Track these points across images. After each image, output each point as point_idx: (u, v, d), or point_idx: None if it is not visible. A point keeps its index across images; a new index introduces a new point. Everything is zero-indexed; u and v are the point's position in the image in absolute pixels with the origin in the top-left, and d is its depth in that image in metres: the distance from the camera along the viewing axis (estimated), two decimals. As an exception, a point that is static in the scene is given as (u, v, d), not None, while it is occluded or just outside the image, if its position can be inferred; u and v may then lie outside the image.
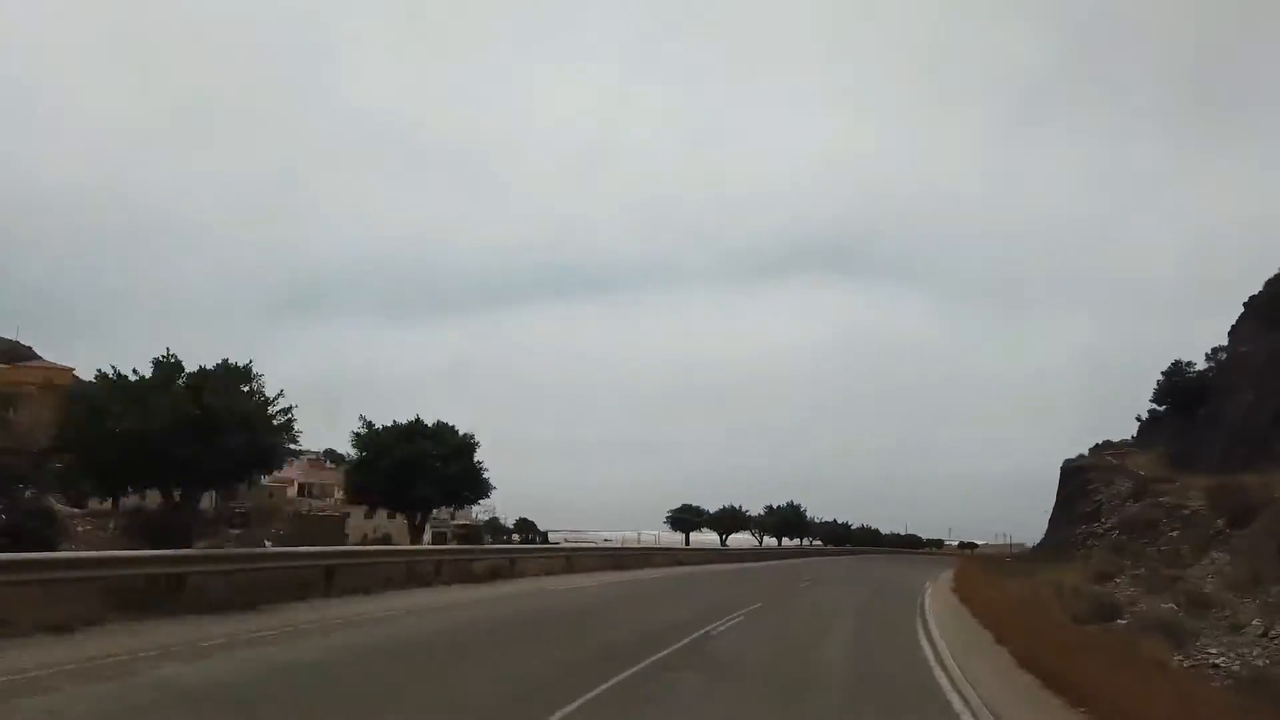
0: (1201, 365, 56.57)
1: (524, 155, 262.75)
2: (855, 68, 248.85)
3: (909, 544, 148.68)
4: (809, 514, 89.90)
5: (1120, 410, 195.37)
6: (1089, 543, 42.73)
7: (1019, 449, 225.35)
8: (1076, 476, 59.87)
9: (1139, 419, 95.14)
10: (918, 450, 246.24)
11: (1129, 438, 79.51)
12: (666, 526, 76.66)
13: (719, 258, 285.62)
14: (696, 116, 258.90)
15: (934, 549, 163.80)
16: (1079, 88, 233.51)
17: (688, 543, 73.04)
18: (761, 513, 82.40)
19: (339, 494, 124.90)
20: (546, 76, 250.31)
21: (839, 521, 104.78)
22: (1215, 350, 58.74)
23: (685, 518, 77.82)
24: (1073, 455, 79.71)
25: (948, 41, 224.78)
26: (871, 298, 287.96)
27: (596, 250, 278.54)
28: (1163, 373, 57.76)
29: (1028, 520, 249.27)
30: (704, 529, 79.74)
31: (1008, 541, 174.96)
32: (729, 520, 78.41)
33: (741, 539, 75.45)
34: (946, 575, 42.72)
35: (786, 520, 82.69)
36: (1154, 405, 60.34)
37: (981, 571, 42.51)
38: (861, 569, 51.49)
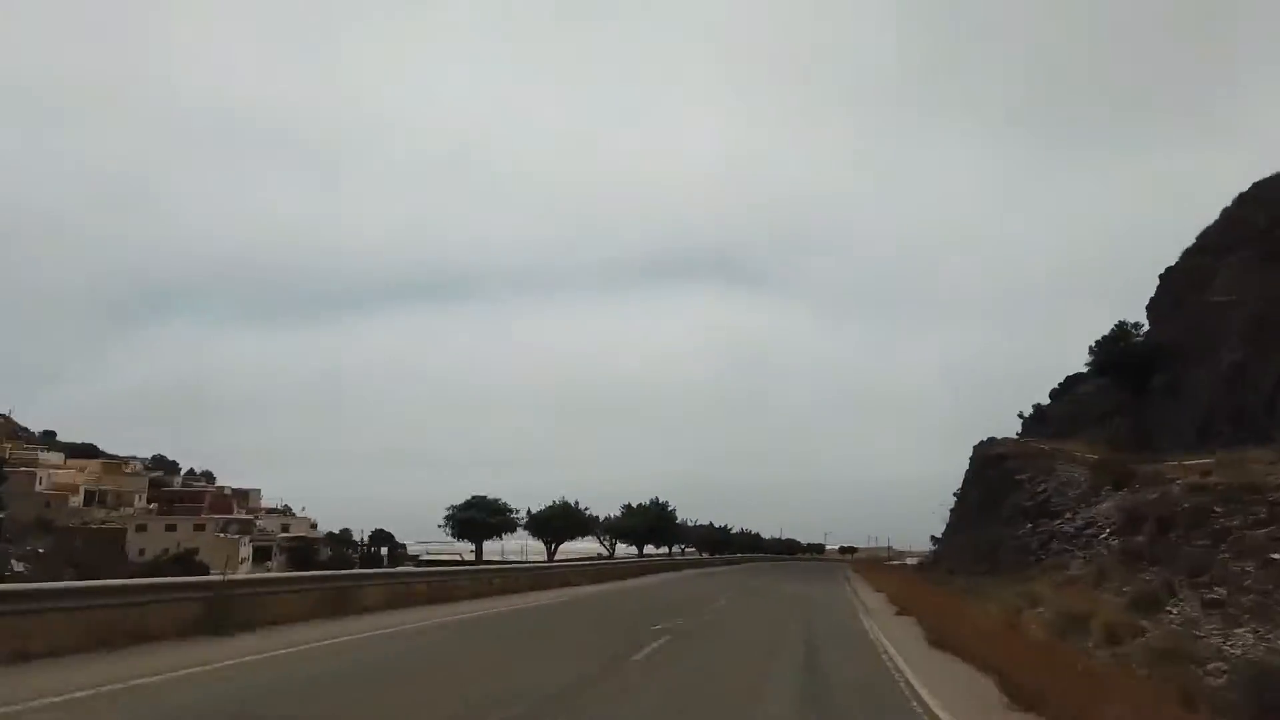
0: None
1: (395, 150, 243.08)
2: (745, 72, 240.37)
3: (788, 549, 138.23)
4: (681, 516, 72.08)
5: (995, 412, 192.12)
6: (1053, 546, 30.76)
7: (887, 455, 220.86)
8: (996, 467, 48.89)
9: (1021, 415, 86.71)
10: (792, 456, 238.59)
11: (1015, 434, 71.70)
12: (445, 531, 56.61)
13: (598, 264, 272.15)
14: (579, 116, 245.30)
15: (815, 554, 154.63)
16: (953, 89, 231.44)
17: (479, 555, 55.18)
18: (618, 513, 61.59)
19: (141, 502, 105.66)
20: (421, 68, 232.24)
21: (716, 525, 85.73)
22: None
23: (476, 518, 55.72)
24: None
25: (833, 49, 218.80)
26: (744, 304, 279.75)
27: (470, 253, 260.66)
28: (1100, 340, 47.16)
29: (897, 523, 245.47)
30: (503, 534, 59.23)
31: (886, 545, 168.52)
32: (560, 522, 54.87)
33: (584, 548, 58.35)
34: (870, 597, 29.90)
35: (650, 523, 61.54)
36: (1083, 379, 49.76)
37: (913, 588, 30.04)
38: (753, 587, 36.75)
